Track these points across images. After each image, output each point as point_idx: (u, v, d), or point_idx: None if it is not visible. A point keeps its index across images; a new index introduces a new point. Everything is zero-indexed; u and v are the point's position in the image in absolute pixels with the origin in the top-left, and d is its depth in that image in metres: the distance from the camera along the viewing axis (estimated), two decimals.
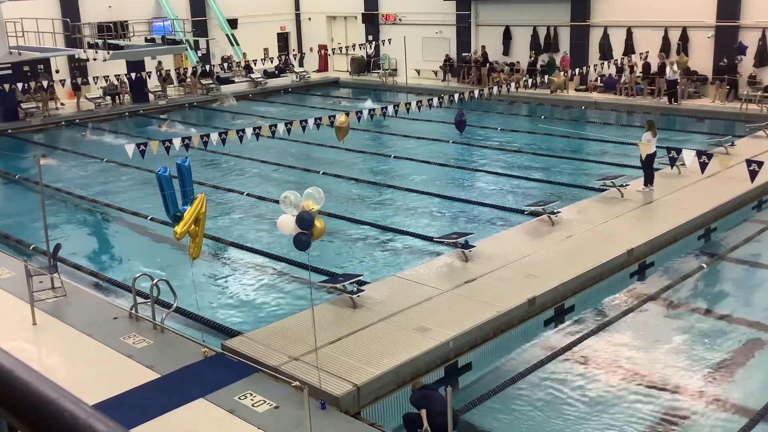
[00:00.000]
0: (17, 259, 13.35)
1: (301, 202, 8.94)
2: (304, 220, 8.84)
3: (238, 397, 8.87)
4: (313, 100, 34.18)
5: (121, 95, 31.96)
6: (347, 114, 16.93)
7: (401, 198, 18.31)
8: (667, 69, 26.77)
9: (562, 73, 27.73)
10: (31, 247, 15.09)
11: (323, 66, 39.78)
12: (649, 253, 13.83)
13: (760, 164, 12.53)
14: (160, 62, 32.86)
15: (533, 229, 14.60)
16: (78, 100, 30.75)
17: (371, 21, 38.11)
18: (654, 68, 28.21)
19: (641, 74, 28.59)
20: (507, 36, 33.48)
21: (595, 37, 30.88)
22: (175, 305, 11.05)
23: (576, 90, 30.18)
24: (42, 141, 26.45)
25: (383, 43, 35.89)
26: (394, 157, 22.47)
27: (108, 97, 31.42)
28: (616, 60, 28.09)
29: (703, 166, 13.79)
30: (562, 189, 18.30)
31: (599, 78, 29.47)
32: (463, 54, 34.95)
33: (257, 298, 12.78)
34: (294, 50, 40.02)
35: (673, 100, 26.96)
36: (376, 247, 15.03)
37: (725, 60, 27.07)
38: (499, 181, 19.67)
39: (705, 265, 13.82)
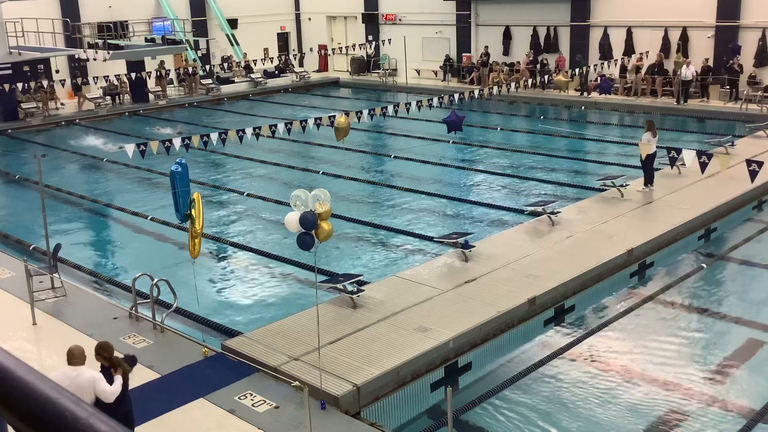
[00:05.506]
0: (17, 259, 13.35)
1: (310, 202, 8.93)
2: (307, 221, 8.84)
3: (238, 397, 8.88)
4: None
5: (121, 95, 31.97)
6: (347, 114, 16.94)
7: (401, 198, 18.30)
8: (684, 68, 26.69)
9: (568, 72, 27.74)
10: (31, 247, 15.08)
11: (323, 66, 39.77)
12: (649, 253, 13.84)
13: (760, 164, 12.55)
14: (162, 62, 32.88)
15: (533, 229, 14.60)
16: (78, 100, 30.76)
17: (371, 21, 38.09)
18: (661, 68, 28.20)
19: (651, 75, 28.50)
20: (507, 36, 33.48)
21: (595, 37, 30.88)
22: (175, 305, 11.06)
23: (576, 90, 30.13)
24: (42, 141, 26.43)
25: (383, 43, 35.88)
26: (394, 157, 22.47)
27: (108, 97, 31.44)
28: (616, 60, 28.06)
29: (703, 166, 13.80)
30: (562, 189, 18.31)
31: (599, 78, 29.44)
32: (463, 54, 34.94)
33: (257, 298, 12.77)
34: (294, 50, 40.02)
35: (682, 99, 26.90)
36: (376, 247, 15.03)
37: (709, 60, 27.22)
38: (499, 181, 19.66)
39: (705, 265, 13.82)
